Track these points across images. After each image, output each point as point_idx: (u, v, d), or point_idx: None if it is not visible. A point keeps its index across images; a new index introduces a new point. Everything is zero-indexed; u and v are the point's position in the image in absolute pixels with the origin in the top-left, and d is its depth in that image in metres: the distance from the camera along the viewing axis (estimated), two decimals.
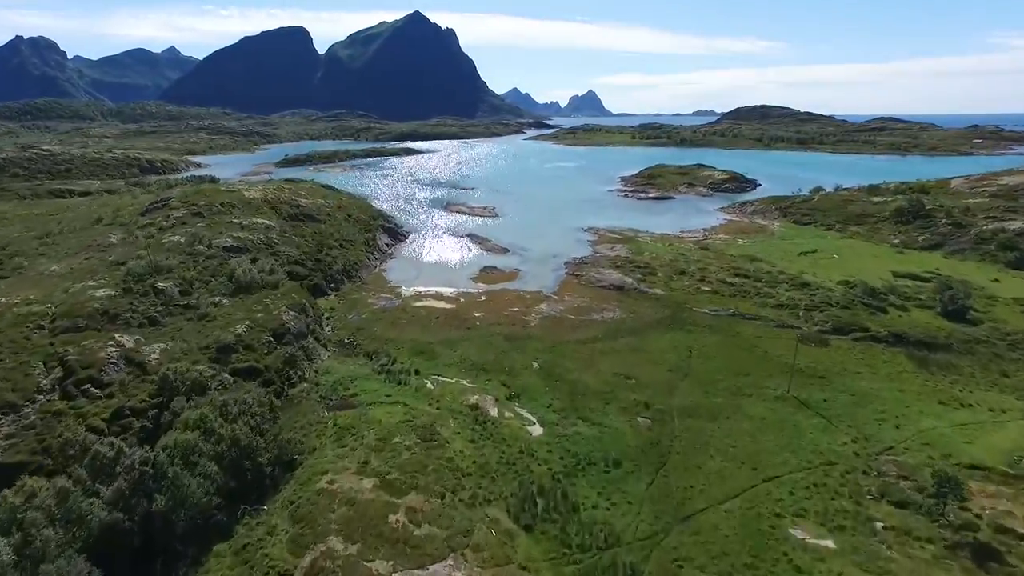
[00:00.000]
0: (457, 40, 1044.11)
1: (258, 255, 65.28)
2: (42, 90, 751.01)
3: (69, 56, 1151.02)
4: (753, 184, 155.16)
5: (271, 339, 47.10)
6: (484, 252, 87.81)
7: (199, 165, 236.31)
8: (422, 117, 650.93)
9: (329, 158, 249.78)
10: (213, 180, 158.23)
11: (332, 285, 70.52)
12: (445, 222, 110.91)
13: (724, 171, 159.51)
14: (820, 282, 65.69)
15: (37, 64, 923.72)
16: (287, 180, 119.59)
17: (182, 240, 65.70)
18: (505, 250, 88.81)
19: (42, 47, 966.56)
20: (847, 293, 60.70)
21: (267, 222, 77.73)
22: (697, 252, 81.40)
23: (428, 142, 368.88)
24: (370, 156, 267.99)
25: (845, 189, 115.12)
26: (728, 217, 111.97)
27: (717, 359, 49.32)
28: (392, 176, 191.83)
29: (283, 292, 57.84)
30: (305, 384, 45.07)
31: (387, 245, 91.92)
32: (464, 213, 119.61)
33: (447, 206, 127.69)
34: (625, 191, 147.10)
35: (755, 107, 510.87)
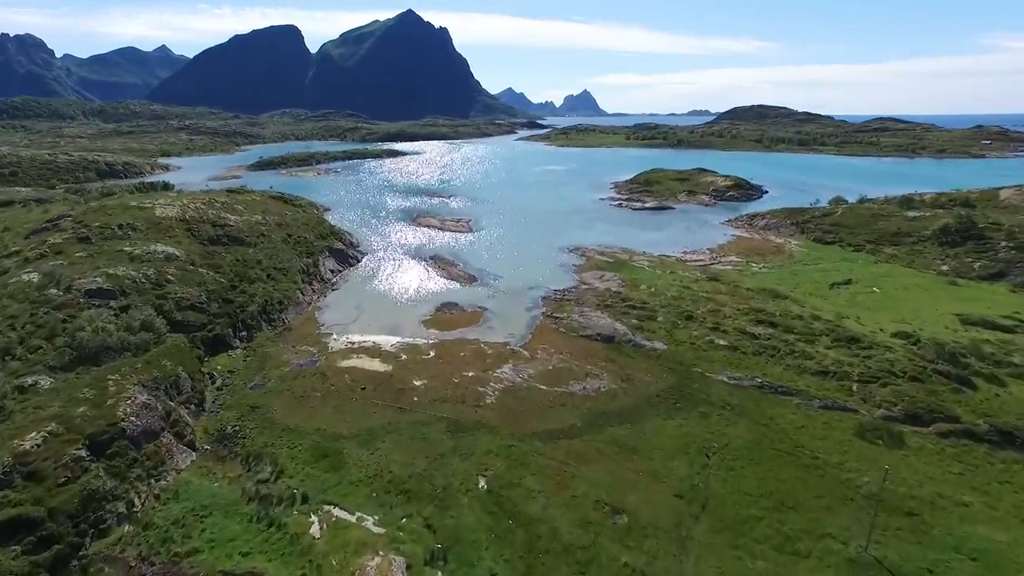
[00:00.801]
0: (450, 39, 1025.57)
1: (134, 301, 49.15)
2: (28, 89, 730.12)
3: (59, 55, 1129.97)
4: (759, 191, 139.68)
5: (84, 453, 31.11)
6: (447, 281, 71.83)
7: (167, 168, 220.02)
8: (414, 117, 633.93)
9: (306, 160, 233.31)
10: (167, 186, 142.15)
11: (243, 334, 54.50)
12: (410, 239, 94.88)
13: (727, 177, 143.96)
14: (869, 333, 50.01)
15: (23, 62, 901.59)
16: (229, 190, 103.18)
17: (35, 280, 49.57)
18: (472, 279, 72.82)
19: (29, 45, 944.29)
20: (912, 354, 45.03)
21: (170, 250, 61.53)
22: (705, 283, 65.60)
23: (415, 143, 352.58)
24: (350, 158, 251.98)
25: (870, 200, 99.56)
26: (737, 233, 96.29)
27: (747, 472, 33.58)
28: (367, 181, 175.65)
29: (151, 358, 41.82)
30: (127, 528, 29.19)
31: (332, 272, 75.81)
32: (434, 227, 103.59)
33: (417, 218, 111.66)
34: (618, 200, 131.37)
35: (752, 107, 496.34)
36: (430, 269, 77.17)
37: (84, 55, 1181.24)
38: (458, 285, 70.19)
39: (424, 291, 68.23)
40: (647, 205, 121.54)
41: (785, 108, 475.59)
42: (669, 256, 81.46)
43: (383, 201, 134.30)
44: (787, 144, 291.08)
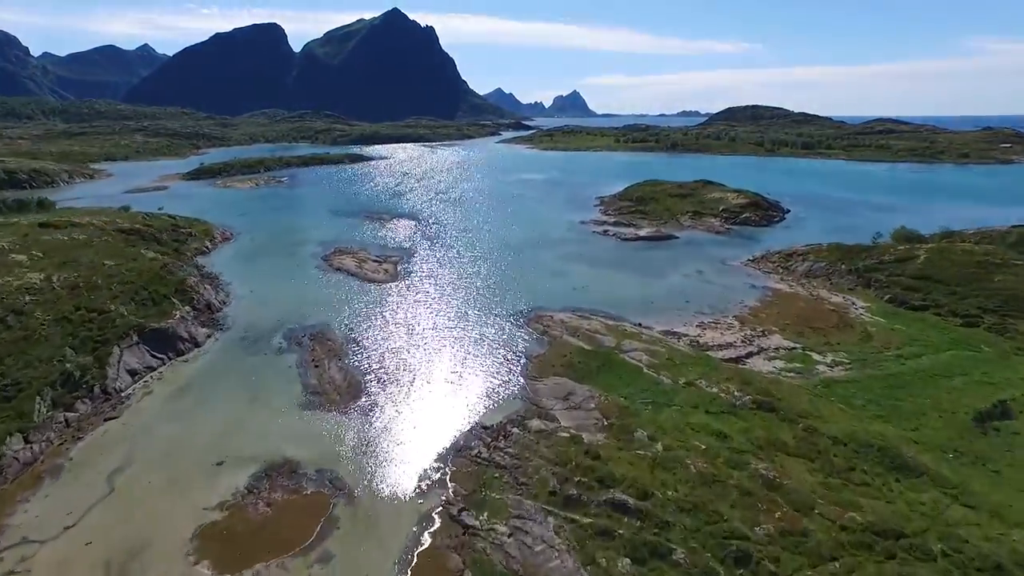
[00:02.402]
0: (437, 39, 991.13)
1: None
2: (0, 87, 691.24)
3: (39, 52, 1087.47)
4: (780, 211, 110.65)
5: None
6: (309, 399, 41.72)
7: (93, 176, 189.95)
8: (399, 117, 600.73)
9: (253, 167, 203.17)
10: (42, 204, 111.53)
11: None
12: (303, 294, 64.67)
13: (739, 192, 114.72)
14: None
15: None
16: (43, 224, 71.64)
17: None
18: (354, 391, 42.77)
19: (1, 42, 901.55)
20: None
21: None
22: (753, 418, 35.78)
23: (388, 145, 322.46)
24: (307, 164, 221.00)
25: (957, 233, 70.54)
26: (771, 284, 66.76)
27: None
28: (307, 194, 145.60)
29: None
30: None
31: (134, 375, 45.31)
32: (348, 271, 73.43)
33: (333, 254, 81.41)
34: (604, 223, 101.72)
35: (747, 107, 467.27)
36: (297, 366, 47.03)
37: (65, 54, 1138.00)
38: (320, 414, 40.02)
39: (256, 427, 38.14)
40: (641, 233, 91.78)
41: (781, 109, 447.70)
42: (679, 335, 51.75)
43: (307, 223, 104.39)
44: (790, 148, 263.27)
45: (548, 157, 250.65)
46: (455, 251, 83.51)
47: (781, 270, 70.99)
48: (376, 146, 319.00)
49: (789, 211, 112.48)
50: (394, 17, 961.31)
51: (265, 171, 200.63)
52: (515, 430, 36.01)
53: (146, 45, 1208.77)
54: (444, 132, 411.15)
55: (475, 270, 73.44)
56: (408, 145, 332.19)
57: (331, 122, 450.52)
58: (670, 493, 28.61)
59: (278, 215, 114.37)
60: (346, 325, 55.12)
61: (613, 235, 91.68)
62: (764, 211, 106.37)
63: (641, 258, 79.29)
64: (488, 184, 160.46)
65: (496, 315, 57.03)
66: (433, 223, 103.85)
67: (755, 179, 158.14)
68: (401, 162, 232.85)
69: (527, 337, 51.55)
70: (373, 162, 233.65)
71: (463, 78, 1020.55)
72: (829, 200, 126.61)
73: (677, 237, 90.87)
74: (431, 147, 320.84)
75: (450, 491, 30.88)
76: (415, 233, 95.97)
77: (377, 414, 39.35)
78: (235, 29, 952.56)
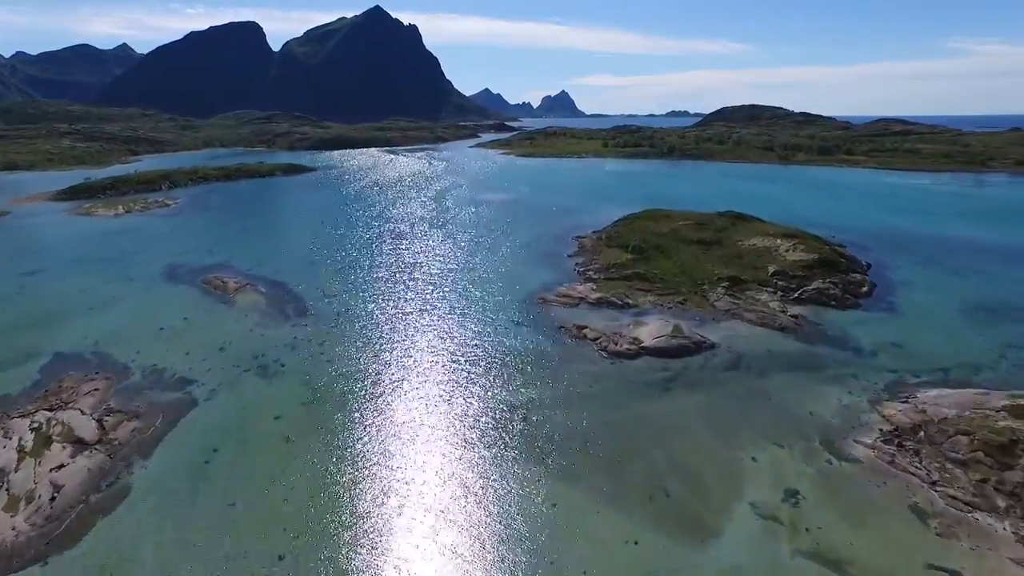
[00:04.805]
0: (420, 38, 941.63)
1: None
2: None
3: (12, 52, 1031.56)
4: (862, 270, 68.26)
5: None
6: None
7: None
8: (380, 117, 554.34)
9: (153, 182, 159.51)
10: None
11: None
12: None
13: (791, 234, 72.34)
14: None
15: None
16: None
17: None
18: None
19: None
20: None
21: None
22: None
23: (347, 151, 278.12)
24: (231, 177, 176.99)
25: None
26: None
27: None
28: (176, 229, 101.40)
29: None
30: None
31: None
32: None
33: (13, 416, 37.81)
34: (580, 302, 58.67)
35: (743, 106, 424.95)
36: None
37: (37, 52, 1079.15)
38: None
39: None
40: (647, 339, 48.40)
41: (781, 108, 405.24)
42: None
43: (99, 298, 60.75)
44: (806, 153, 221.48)
45: (523, 166, 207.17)
46: (271, 393, 40.19)
47: (1003, 499, 28.18)
48: (335, 151, 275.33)
49: (870, 266, 70.31)
50: (376, 15, 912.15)
51: (169, 188, 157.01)
52: None
53: (124, 44, 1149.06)
54: (416, 135, 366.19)
55: (275, 490, 30.19)
56: (369, 151, 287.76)
57: (295, 124, 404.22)
58: None
59: (75, 277, 70.48)
60: None
61: (595, 342, 48.51)
62: (838, 273, 63.84)
63: (653, 429, 36.21)
64: (429, 211, 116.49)
65: None
66: (293, 302, 60.31)
67: (786, 199, 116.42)
68: (344, 174, 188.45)
69: None
70: (315, 173, 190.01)
71: (448, 78, 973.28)
72: (912, 239, 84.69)
73: (713, 345, 47.74)
74: (393, 153, 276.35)
75: None
76: (244, 328, 52.55)
77: None
78: (211, 27, 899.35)
